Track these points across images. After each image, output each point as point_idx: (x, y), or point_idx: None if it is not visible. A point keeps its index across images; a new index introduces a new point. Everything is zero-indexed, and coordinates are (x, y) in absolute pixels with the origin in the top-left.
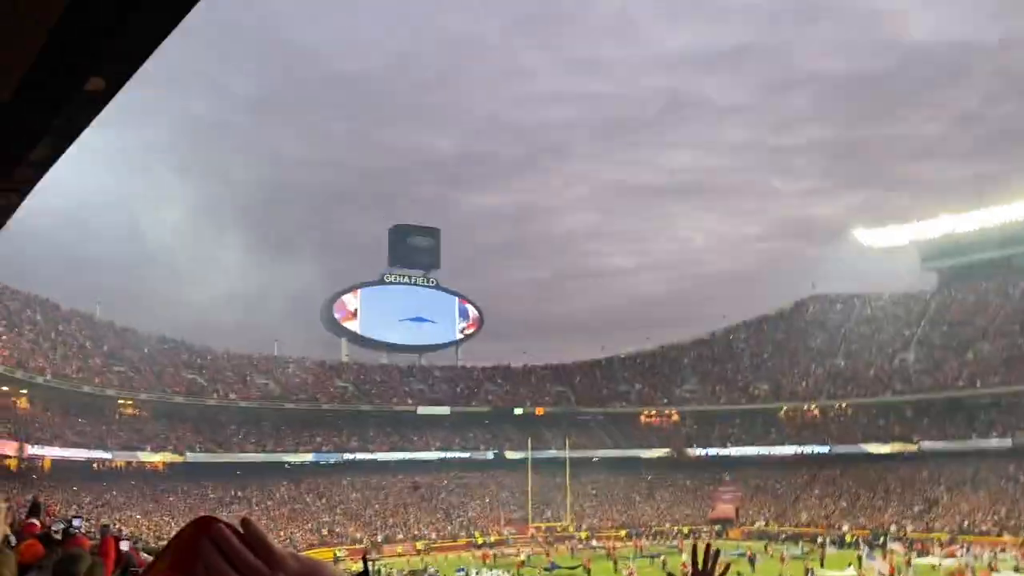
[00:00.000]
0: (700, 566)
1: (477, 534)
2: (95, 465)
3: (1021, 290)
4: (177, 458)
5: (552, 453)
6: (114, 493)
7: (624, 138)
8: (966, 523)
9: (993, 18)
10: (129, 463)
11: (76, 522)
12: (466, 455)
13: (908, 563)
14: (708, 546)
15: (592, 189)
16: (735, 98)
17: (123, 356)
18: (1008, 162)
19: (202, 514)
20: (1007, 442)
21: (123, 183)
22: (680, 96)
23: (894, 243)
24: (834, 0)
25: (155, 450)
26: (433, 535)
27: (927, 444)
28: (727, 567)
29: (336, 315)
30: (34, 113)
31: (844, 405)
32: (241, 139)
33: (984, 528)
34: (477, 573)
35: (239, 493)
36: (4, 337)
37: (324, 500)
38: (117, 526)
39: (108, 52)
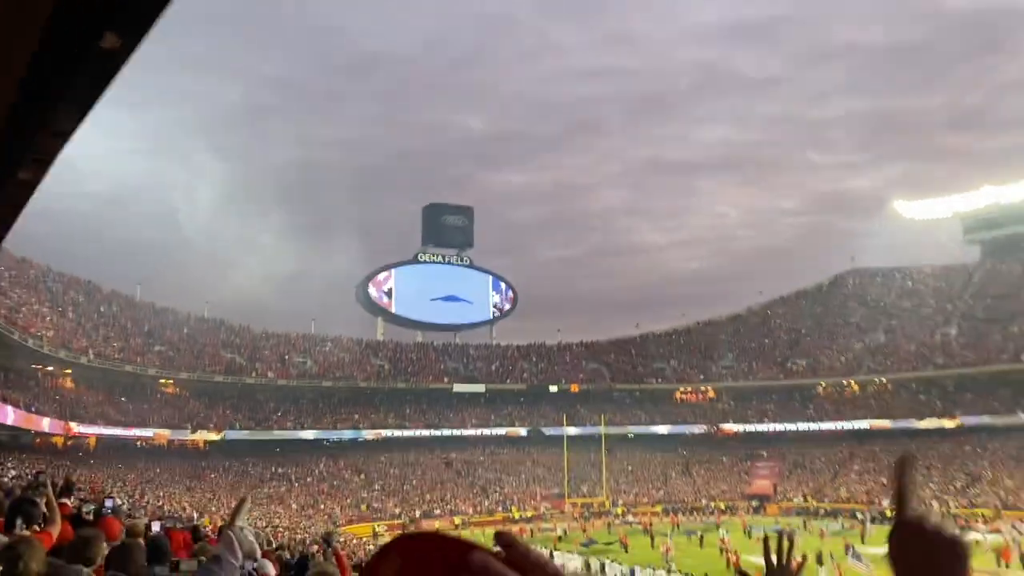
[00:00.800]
0: (775, 561)
1: (514, 509)
2: (138, 443)
3: None
4: (217, 436)
5: (588, 430)
6: (157, 471)
7: (657, 113)
8: (1010, 499)
9: None
10: (171, 441)
11: (109, 502)
12: (502, 432)
13: None
14: (781, 535)
15: (625, 166)
16: (770, 71)
17: (163, 336)
18: None
19: (427, 532)
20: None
21: (161, 167)
22: (713, 70)
23: (936, 215)
24: None
25: (196, 428)
26: (470, 511)
27: (969, 419)
28: (804, 560)
29: (372, 294)
30: (53, 74)
31: (884, 380)
32: (275, 122)
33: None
34: None
35: (279, 470)
36: (48, 318)
37: (362, 476)
38: (160, 503)
39: (120, 7)
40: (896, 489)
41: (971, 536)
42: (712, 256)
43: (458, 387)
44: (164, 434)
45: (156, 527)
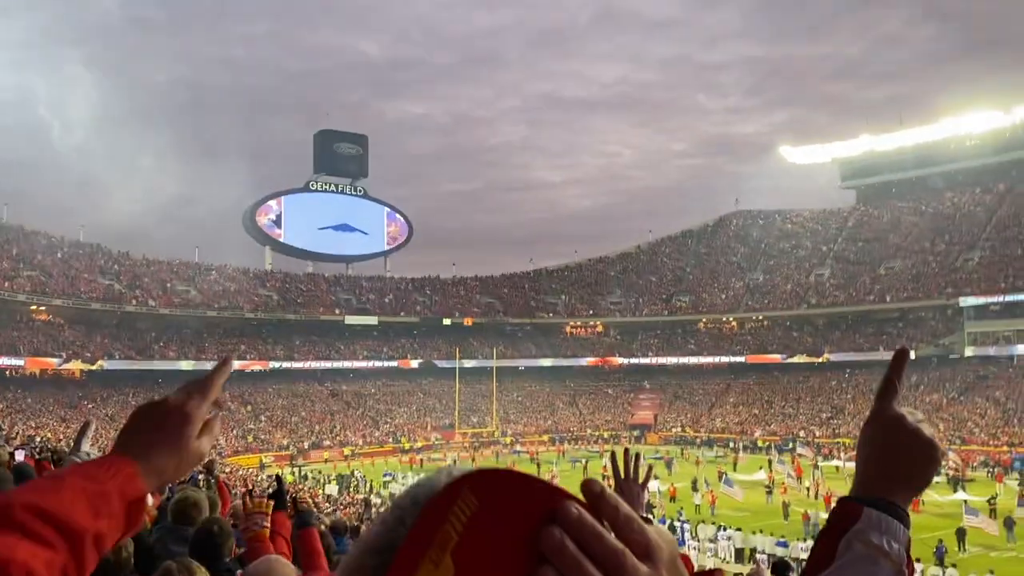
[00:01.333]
0: (622, 473)
1: (404, 440)
2: (7, 372)
3: (932, 209)
4: (93, 366)
5: (480, 363)
6: (29, 401)
7: (555, 48)
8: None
9: None
10: (44, 371)
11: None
12: (393, 364)
13: (815, 466)
14: (626, 451)
15: (523, 101)
16: (666, 11)
17: (33, 260)
18: (926, 84)
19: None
20: (911, 354)
21: (29, 80)
22: (612, 6)
23: (816, 161)
24: None
25: (70, 357)
26: (360, 442)
27: (836, 356)
28: (650, 470)
29: (260, 222)
30: None
31: (761, 317)
32: (157, 37)
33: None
34: (403, 478)
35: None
36: None
37: (249, 408)
38: (31, 434)
39: None
40: (884, 382)
41: (833, 463)
42: (604, 195)
43: (350, 319)
44: (38, 361)
45: (20, 456)
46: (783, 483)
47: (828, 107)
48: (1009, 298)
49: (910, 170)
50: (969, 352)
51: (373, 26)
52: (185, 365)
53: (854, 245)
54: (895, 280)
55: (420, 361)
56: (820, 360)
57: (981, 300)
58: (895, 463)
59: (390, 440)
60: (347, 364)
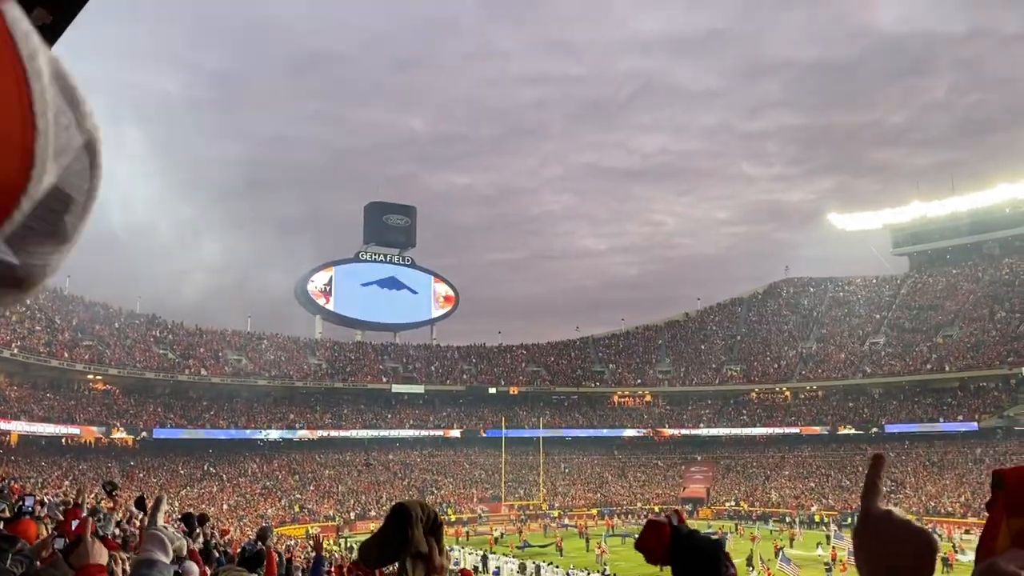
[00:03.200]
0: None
1: (450, 511)
2: (64, 440)
3: (989, 276)
4: (146, 434)
5: (526, 432)
6: (82, 468)
7: (598, 121)
8: (931, 504)
9: (959, 9)
10: (99, 439)
11: (28, 500)
12: (439, 433)
13: None
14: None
15: (566, 171)
16: (707, 83)
17: (92, 331)
18: (974, 150)
19: None
20: (972, 426)
21: None
22: (653, 80)
23: (866, 228)
24: None
25: (125, 426)
26: None
27: (894, 427)
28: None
29: (311, 292)
30: None
31: (815, 387)
32: (213, 116)
33: (950, 509)
34: (449, 550)
35: (211, 470)
36: None
37: (297, 477)
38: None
39: None
40: (867, 482)
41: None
42: (650, 262)
43: (397, 387)
44: (91, 431)
45: (28, 502)
46: (843, 560)
47: (875, 174)
48: None
49: (964, 236)
50: None
51: (419, 104)
52: (238, 434)
53: (909, 313)
54: (953, 349)
55: (466, 430)
56: (876, 431)
57: None
58: (897, 558)
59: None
60: (394, 433)
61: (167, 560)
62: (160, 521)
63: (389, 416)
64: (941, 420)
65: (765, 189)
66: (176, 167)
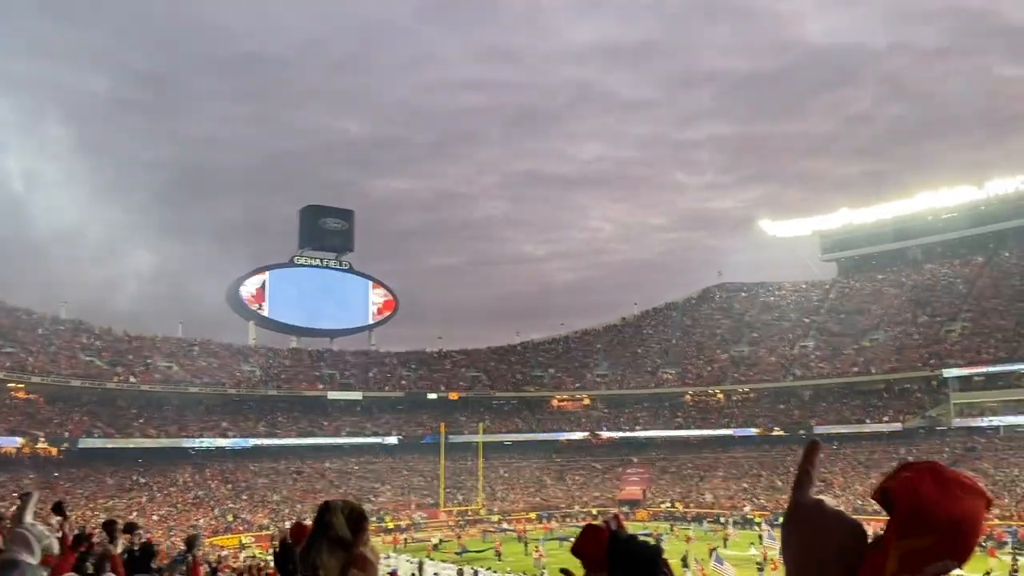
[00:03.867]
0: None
1: (387, 518)
2: None
3: (912, 281)
4: (70, 445)
5: (465, 438)
6: (2, 480)
7: (535, 128)
8: (859, 503)
9: (881, 24)
10: (20, 449)
11: None
12: (377, 440)
13: None
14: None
15: (504, 177)
16: (641, 93)
17: (15, 337)
18: (897, 160)
19: None
20: (897, 426)
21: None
22: (589, 89)
23: (796, 234)
24: (736, 1)
25: (48, 435)
26: None
27: (823, 428)
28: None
29: (243, 297)
30: None
31: (746, 390)
32: (143, 118)
33: (876, 508)
34: (386, 559)
35: (140, 480)
36: None
37: (230, 486)
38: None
39: None
40: (799, 472)
41: None
42: (588, 268)
43: (333, 394)
44: (12, 441)
45: None
46: (774, 559)
47: (804, 182)
48: (992, 369)
49: (889, 243)
50: (956, 423)
51: (356, 107)
52: (168, 443)
53: (837, 317)
54: (879, 352)
55: (404, 437)
56: (804, 433)
57: (965, 371)
58: (826, 550)
59: (373, 519)
60: (330, 440)
61: (34, 560)
62: (28, 519)
63: (325, 423)
64: (868, 421)
65: (698, 197)
66: (104, 169)
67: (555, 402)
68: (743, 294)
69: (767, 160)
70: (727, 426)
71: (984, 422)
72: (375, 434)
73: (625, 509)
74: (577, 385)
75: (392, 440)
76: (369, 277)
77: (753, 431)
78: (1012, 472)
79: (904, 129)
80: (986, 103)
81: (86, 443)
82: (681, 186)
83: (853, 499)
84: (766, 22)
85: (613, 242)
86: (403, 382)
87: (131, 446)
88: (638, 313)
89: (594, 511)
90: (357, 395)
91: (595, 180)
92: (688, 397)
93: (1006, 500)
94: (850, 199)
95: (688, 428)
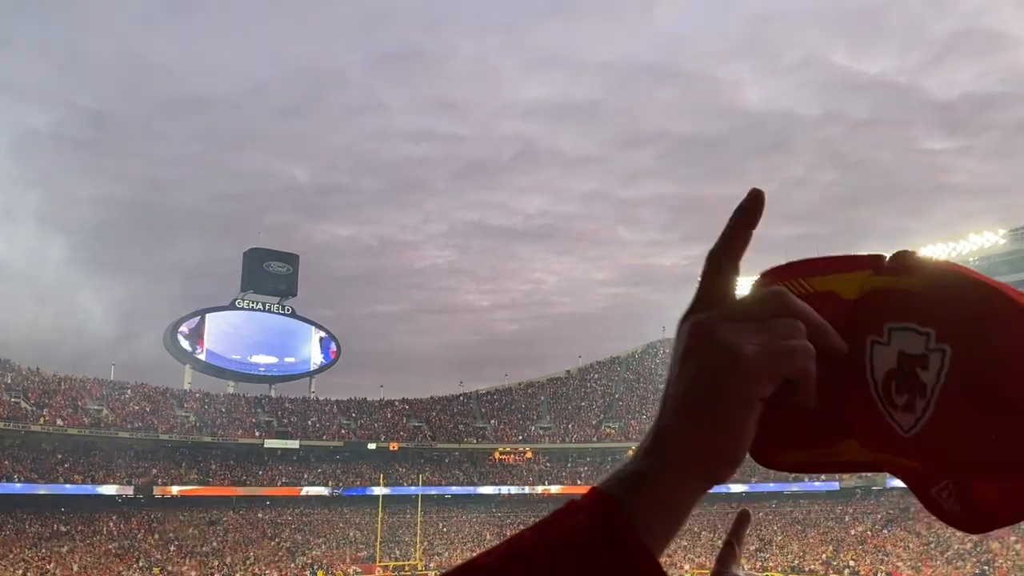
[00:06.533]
0: None
1: (320, 573)
2: None
3: None
4: None
5: (405, 490)
6: None
7: (480, 180)
8: (797, 562)
9: (815, 94)
10: None
11: None
12: (313, 490)
13: None
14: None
15: (449, 227)
16: (586, 150)
17: None
18: (834, 224)
19: None
20: (834, 485)
21: None
22: (534, 144)
23: (738, 292)
24: (680, 66)
25: None
26: (274, 575)
27: (760, 486)
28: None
29: (180, 340)
30: None
31: None
32: (84, 155)
33: (813, 567)
34: None
35: (62, 528)
36: None
37: (157, 536)
38: None
39: None
40: (726, 543)
41: None
42: (531, 319)
43: (269, 443)
44: None
45: None
46: None
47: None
48: None
49: None
50: (891, 483)
51: (302, 153)
52: (95, 490)
53: None
54: None
55: (340, 488)
56: (744, 491)
57: None
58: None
59: (307, 573)
60: (264, 491)
61: None
62: None
63: (260, 472)
64: (806, 479)
65: (640, 253)
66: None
67: (497, 454)
68: None
69: (708, 219)
70: None
71: None
72: (311, 483)
73: None
74: (520, 438)
75: (328, 491)
76: (312, 323)
77: None
78: (944, 534)
79: (838, 195)
80: (913, 174)
81: (5, 488)
82: (624, 242)
83: (791, 558)
84: (708, 87)
85: (556, 295)
86: (343, 431)
87: (53, 492)
88: (583, 366)
89: None
90: (295, 444)
91: (539, 234)
92: (631, 452)
93: (937, 562)
94: (788, 259)
95: None
